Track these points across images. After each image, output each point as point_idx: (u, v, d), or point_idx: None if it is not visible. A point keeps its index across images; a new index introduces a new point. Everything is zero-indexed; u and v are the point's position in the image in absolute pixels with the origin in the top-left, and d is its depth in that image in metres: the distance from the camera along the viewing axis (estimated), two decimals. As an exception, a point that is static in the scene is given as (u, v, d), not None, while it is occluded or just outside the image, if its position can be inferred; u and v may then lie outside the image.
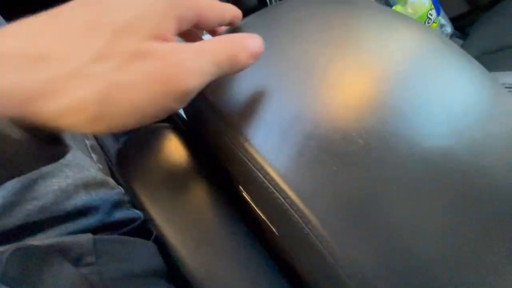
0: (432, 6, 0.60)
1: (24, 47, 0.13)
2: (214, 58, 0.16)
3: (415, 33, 0.25)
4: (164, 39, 0.15)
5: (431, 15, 0.61)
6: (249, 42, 0.18)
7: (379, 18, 0.26)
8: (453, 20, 0.72)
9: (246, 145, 0.19)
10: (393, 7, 0.65)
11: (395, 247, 0.17)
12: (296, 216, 0.17)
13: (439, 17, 0.64)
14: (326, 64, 0.22)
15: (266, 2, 0.48)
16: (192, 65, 0.14)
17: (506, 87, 0.35)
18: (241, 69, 0.18)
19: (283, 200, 0.18)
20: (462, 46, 0.70)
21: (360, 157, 0.18)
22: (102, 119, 0.13)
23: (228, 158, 0.22)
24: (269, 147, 0.19)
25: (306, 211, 0.17)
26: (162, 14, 0.15)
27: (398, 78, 0.22)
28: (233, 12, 0.21)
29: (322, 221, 0.17)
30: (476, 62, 0.25)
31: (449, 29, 0.69)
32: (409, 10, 0.62)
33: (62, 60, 0.13)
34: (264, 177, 0.18)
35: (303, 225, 0.17)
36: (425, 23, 0.61)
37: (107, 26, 0.13)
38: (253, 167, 0.19)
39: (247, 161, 0.19)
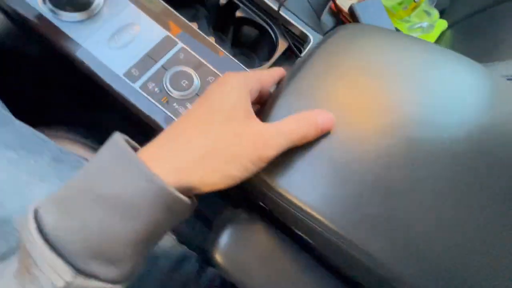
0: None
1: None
2: (289, 137, 0.22)
3: (422, 54, 0.28)
4: (250, 112, 0.22)
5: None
6: (318, 120, 0.23)
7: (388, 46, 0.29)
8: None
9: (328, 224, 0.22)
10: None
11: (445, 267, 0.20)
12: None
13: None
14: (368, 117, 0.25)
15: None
16: (273, 142, 0.22)
17: (508, 79, 0.38)
18: (310, 140, 0.23)
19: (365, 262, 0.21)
20: (449, 8, 0.71)
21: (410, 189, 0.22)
22: (224, 167, 0.21)
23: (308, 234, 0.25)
24: (345, 222, 0.22)
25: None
26: (245, 97, 0.22)
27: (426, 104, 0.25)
28: (281, 73, 0.28)
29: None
30: (472, 62, 0.29)
31: (433, -5, 0.69)
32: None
33: (196, 141, 0.21)
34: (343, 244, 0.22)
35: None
36: None
37: (218, 116, 0.22)
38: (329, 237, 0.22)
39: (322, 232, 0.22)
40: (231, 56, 0.40)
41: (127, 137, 0.21)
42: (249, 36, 0.50)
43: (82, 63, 0.36)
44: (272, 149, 0.21)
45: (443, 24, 0.65)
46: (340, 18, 0.53)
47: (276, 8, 0.44)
